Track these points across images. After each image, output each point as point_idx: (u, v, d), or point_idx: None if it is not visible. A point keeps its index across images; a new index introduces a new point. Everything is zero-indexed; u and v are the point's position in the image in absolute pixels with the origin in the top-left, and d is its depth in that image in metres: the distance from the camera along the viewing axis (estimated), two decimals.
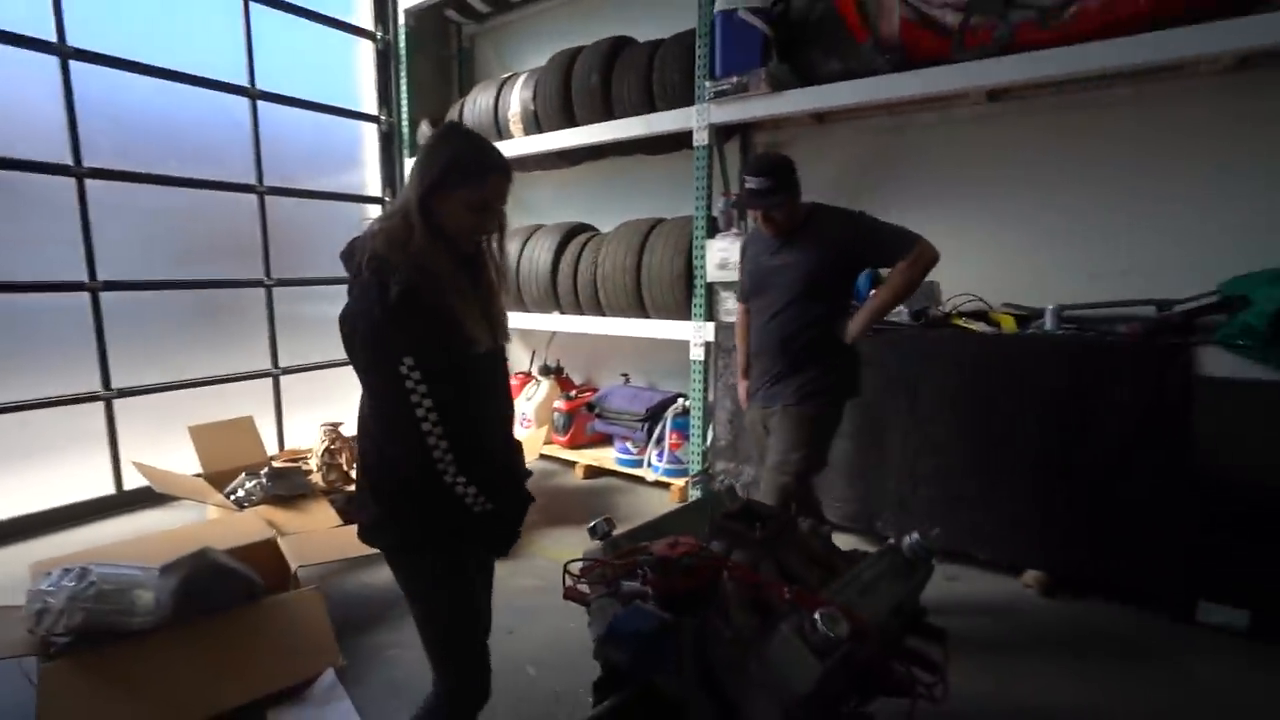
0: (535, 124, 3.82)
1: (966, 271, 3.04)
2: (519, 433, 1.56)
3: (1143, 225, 2.82)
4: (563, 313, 3.98)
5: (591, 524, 1.64)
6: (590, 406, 3.95)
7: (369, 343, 1.21)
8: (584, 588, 1.48)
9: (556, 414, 4.17)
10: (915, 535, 1.47)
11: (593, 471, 4.10)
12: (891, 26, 2.85)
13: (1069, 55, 2.45)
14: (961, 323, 2.85)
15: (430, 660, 1.42)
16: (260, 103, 3.92)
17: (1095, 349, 2.47)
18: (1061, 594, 2.62)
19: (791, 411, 2.28)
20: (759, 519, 1.59)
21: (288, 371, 4.19)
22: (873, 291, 2.55)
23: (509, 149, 3.98)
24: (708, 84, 3.12)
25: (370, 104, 4.66)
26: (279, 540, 2.57)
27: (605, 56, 3.49)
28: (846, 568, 1.63)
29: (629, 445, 3.87)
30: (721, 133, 3.37)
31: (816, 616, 1.19)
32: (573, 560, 1.48)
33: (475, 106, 4.08)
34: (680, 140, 3.49)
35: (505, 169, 1.33)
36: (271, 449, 3.86)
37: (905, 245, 2.18)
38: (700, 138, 3.22)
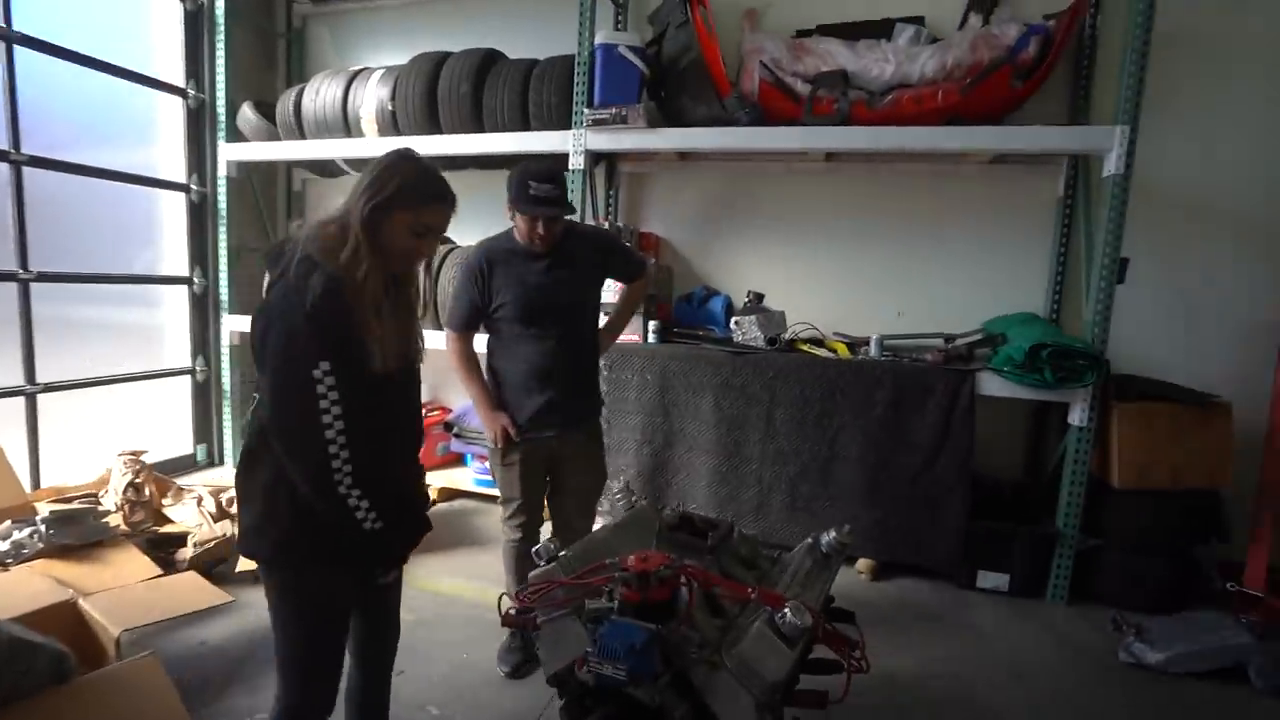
0: (393, 126, 3.58)
1: (804, 303, 3.52)
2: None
3: (933, 275, 3.53)
4: None
5: (534, 548, 1.63)
6: (448, 426, 3.76)
7: (283, 344, 1.19)
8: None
9: None
10: (832, 533, 1.71)
11: (446, 494, 3.90)
12: (752, 84, 3.23)
13: (881, 134, 3.00)
14: (806, 348, 3.30)
15: (278, 674, 1.39)
16: (18, 48, 3.13)
17: (912, 372, 3.03)
18: (885, 577, 3.14)
19: (594, 431, 2.37)
20: (702, 528, 1.71)
21: (49, 389, 3.35)
22: (607, 315, 2.58)
23: (361, 149, 3.69)
24: (587, 111, 3.22)
25: (174, 74, 3.95)
26: (81, 602, 2.08)
27: (477, 67, 3.41)
28: (770, 566, 1.83)
29: (489, 465, 3.76)
30: (592, 159, 3.48)
31: (787, 610, 1.35)
32: (506, 593, 1.48)
33: (319, 97, 3.69)
34: (546, 158, 3.54)
35: (452, 200, 1.36)
36: (27, 487, 3.05)
37: (642, 265, 2.47)
38: (576, 162, 3.30)
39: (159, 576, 2.38)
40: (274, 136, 3.92)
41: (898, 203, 3.53)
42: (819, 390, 3.12)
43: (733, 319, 3.32)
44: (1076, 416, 2.87)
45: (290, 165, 4.45)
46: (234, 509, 3.09)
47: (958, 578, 3.07)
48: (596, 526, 2.32)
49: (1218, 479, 2.81)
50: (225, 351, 4.13)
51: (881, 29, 3.24)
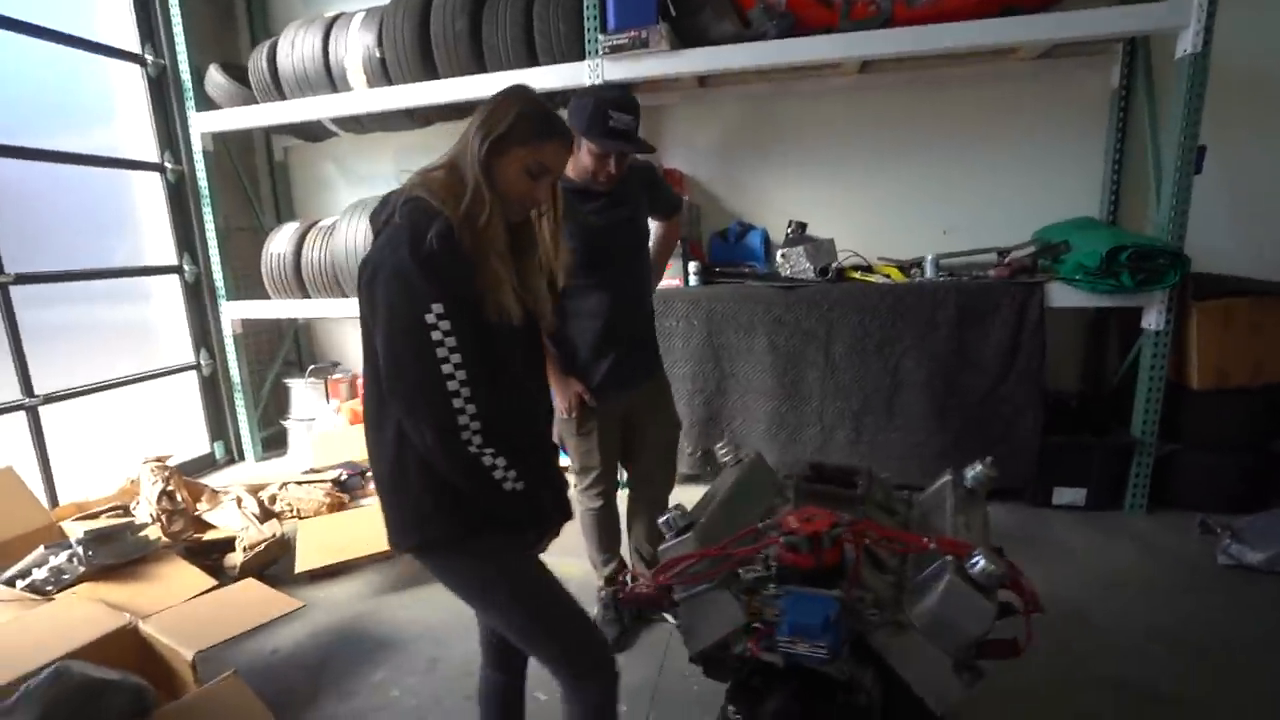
0: (384, 75, 3.23)
1: (844, 229, 3.32)
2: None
3: (979, 187, 3.33)
4: None
5: (663, 518, 1.47)
6: None
7: (395, 289, 1.05)
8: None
9: None
10: (979, 466, 1.57)
11: None
12: None
13: (927, 33, 2.71)
14: (857, 275, 3.12)
15: (543, 657, 1.22)
16: None
17: (976, 289, 2.87)
18: None
19: (663, 380, 2.17)
20: (835, 477, 1.56)
21: (50, 400, 3.08)
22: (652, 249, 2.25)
23: (352, 104, 3.36)
24: (602, 37, 2.91)
25: (127, 39, 3.53)
26: (142, 625, 1.90)
27: None
28: (906, 509, 1.69)
29: (557, 435, 3.59)
30: None
31: (979, 558, 1.21)
32: (629, 571, 1.32)
33: (296, 51, 3.32)
34: (557, 99, 3.24)
35: (570, 138, 1.23)
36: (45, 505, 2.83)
37: (679, 200, 2.25)
38: None
39: (216, 588, 2.20)
40: (249, 100, 3.55)
41: (937, 111, 3.30)
42: (879, 319, 2.95)
43: (779, 252, 3.12)
44: (1153, 320, 2.74)
45: (269, 131, 4.06)
46: (278, 505, 2.91)
47: (1034, 496, 2.99)
48: (688, 485, 2.17)
49: None
50: (230, 341, 3.85)
51: None
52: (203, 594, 2.15)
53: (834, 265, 3.12)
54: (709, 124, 3.59)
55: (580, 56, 3.01)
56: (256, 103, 3.53)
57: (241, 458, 4.04)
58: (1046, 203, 3.24)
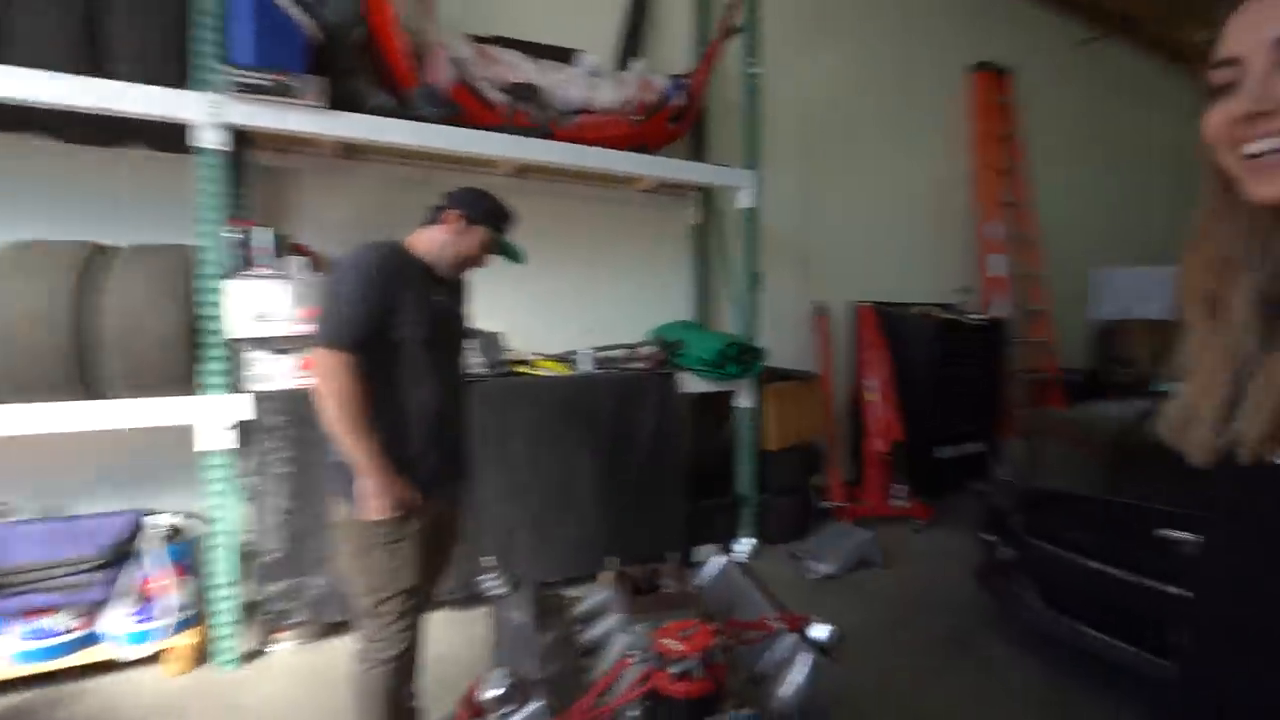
0: None
1: (500, 325, 3.31)
2: None
3: (608, 290, 3.81)
4: None
5: (492, 689, 1.10)
6: None
7: None
8: None
9: None
10: (742, 541, 1.70)
11: None
12: (440, 79, 2.87)
13: (586, 152, 3.10)
14: (526, 370, 3.12)
15: None
16: None
17: (631, 380, 3.21)
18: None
19: (468, 487, 2.06)
20: (650, 586, 1.45)
21: None
22: None
23: None
24: (228, 68, 2.28)
25: None
26: None
27: None
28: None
29: (58, 621, 2.27)
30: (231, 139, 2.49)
31: (815, 625, 1.29)
32: None
33: None
34: (135, 129, 2.38)
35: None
36: None
37: None
38: (209, 138, 2.30)
39: None
40: None
41: (580, 221, 3.68)
42: (551, 412, 3.00)
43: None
44: (746, 399, 3.55)
45: None
46: None
47: (682, 555, 3.41)
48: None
49: (820, 432, 3.91)
50: None
51: (559, 54, 3.31)
52: None
53: (502, 359, 3.05)
54: (345, 198, 3.14)
55: (177, 82, 2.27)
56: None
57: None
58: (658, 307, 3.91)
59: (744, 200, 3.50)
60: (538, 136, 3.00)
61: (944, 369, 4.34)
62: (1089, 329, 6.21)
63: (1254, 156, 0.59)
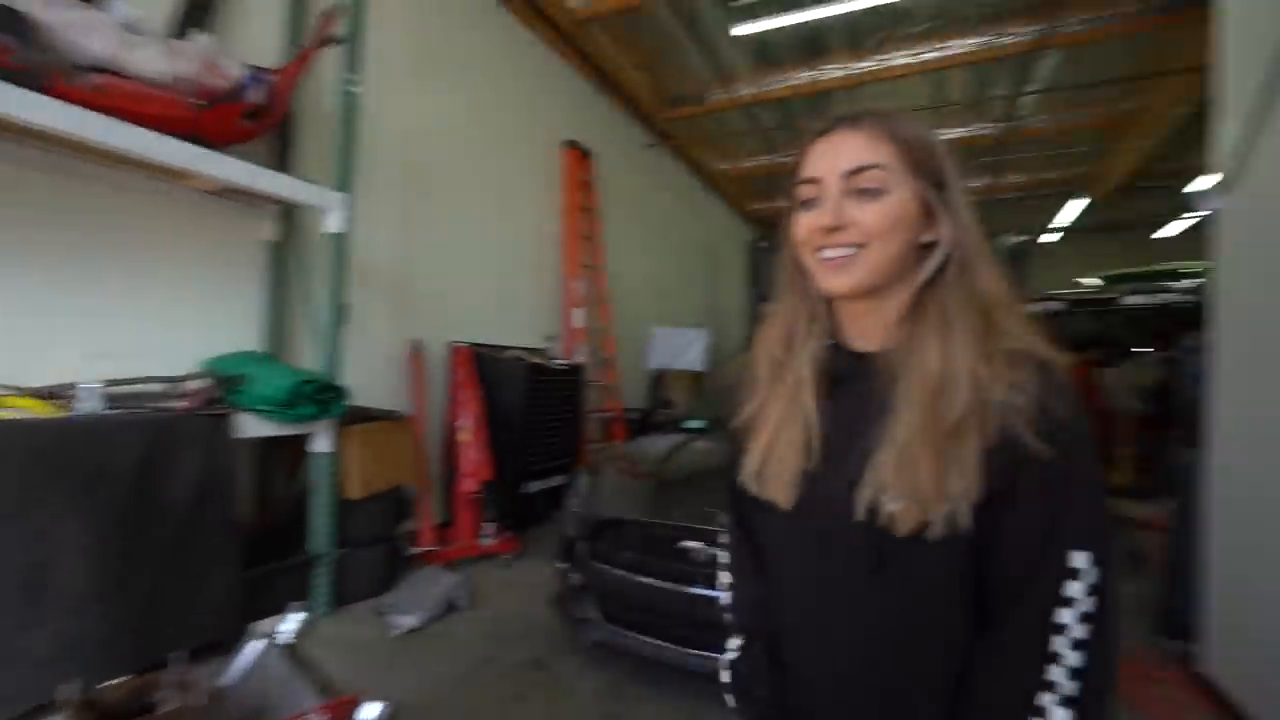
0: None
1: None
2: None
3: (139, 308, 2.94)
4: None
5: None
6: None
7: None
8: None
9: None
10: (288, 618, 1.46)
11: None
12: None
13: (112, 127, 2.37)
14: None
15: None
16: None
17: (165, 424, 2.52)
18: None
19: None
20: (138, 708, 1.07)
21: None
22: None
23: None
24: None
25: None
26: None
27: None
28: None
29: None
30: None
31: (365, 705, 1.16)
32: None
33: None
34: None
35: None
36: None
37: None
38: None
39: None
40: None
41: (102, 215, 2.76)
42: (22, 470, 2.14)
43: None
44: (322, 444, 3.16)
45: None
46: None
47: (238, 639, 2.78)
48: None
49: (410, 476, 3.74)
50: None
51: None
52: None
53: None
54: None
55: None
56: None
57: None
58: (213, 334, 3.20)
59: (332, 224, 3.18)
60: (27, 86, 2.17)
61: (532, 408, 4.69)
62: (645, 376, 7.61)
63: (828, 260, 0.80)
